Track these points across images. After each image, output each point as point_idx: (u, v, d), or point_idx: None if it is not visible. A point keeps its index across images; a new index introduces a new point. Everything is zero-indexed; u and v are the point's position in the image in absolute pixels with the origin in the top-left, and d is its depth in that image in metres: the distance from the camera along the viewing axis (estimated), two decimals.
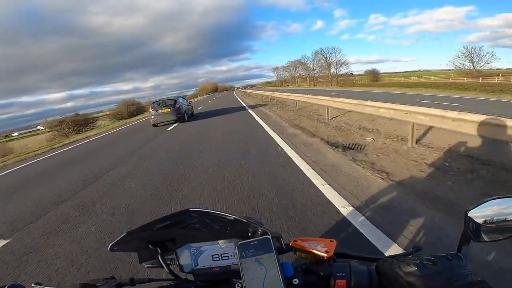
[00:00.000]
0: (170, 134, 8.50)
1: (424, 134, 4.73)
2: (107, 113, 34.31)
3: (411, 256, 0.46)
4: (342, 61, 69.97)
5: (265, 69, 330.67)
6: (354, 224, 1.98)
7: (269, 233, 0.48)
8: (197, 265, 0.57)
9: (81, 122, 30.65)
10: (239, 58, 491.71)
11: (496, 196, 0.43)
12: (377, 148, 4.27)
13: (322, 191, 2.63)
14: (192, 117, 13.42)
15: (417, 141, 4.24)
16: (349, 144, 4.59)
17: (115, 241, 0.53)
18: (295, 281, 0.47)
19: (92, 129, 24.92)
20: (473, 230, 0.43)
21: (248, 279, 0.44)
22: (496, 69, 43.79)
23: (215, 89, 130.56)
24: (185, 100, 13.47)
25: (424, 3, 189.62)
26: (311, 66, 77.46)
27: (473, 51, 43.95)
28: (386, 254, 1.56)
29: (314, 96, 9.59)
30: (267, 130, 6.53)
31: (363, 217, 2.07)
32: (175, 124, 10.77)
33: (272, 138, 5.61)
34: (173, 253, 0.58)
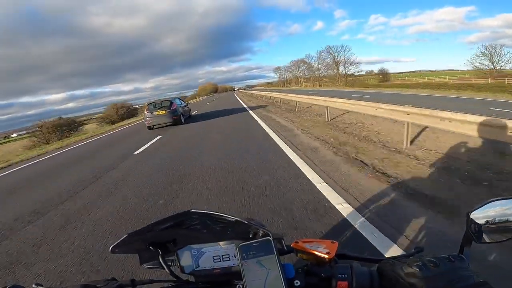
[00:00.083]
0: (148, 153, 6.37)
1: None
2: (98, 116, 31.48)
3: (412, 257, 0.46)
4: (351, 60, 66.23)
5: (265, 69, 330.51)
6: None
7: (270, 235, 0.48)
8: (198, 266, 0.58)
9: (65, 127, 27.77)
10: (239, 59, 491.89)
11: (498, 198, 0.44)
12: None
13: None
14: (190, 119, 12.93)
15: None
16: None
17: (116, 243, 0.53)
18: (297, 282, 0.47)
19: (77, 134, 22.32)
20: (475, 232, 0.44)
21: (249, 281, 0.44)
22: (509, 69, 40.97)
23: (215, 90, 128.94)
24: (182, 102, 13.03)
25: (424, 3, 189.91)
26: (316, 65, 74.26)
27: (493, 51, 41.09)
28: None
29: (337, 99, 7.13)
30: (306, 174, 3.36)
31: None
32: (156, 138, 8.28)
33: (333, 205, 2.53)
34: (174, 254, 0.59)
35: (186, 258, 0.58)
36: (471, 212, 0.44)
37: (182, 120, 11.50)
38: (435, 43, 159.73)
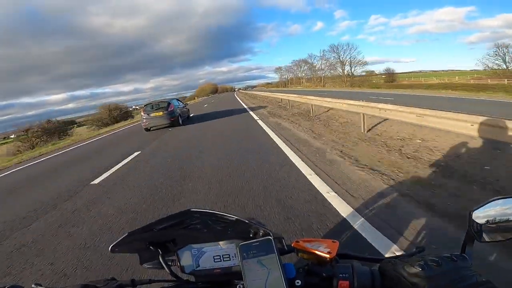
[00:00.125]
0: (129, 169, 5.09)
1: None
2: (92, 117, 29.51)
3: (414, 256, 0.46)
4: (357, 60, 62.83)
5: (265, 70, 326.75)
6: None
7: (271, 234, 0.48)
8: (198, 266, 0.58)
9: (53, 130, 25.93)
10: (239, 59, 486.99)
11: (501, 196, 0.44)
12: None
13: None
14: (188, 120, 12.51)
15: None
16: None
17: (116, 242, 0.53)
18: (298, 282, 0.47)
19: (66, 138, 20.47)
20: (477, 231, 0.44)
21: (250, 281, 0.45)
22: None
23: (215, 90, 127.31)
24: (180, 102, 12.66)
25: (424, 3, 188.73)
26: (319, 65, 71.88)
27: (505, 50, 39.37)
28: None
29: (377, 105, 5.34)
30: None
31: None
32: (133, 156, 6.34)
33: None
34: (174, 254, 0.59)
35: (186, 258, 0.58)
36: (473, 211, 0.44)
37: (180, 122, 11.11)
38: (435, 43, 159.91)
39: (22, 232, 2.92)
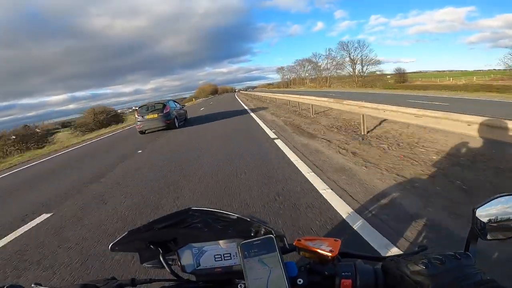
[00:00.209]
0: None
1: None
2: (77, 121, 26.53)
3: (417, 255, 0.45)
4: (370, 58, 58.28)
5: (265, 71, 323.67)
6: None
7: (272, 232, 0.48)
8: (199, 265, 0.57)
9: (30, 137, 22.98)
10: (239, 60, 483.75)
11: (504, 194, 0.43)
12: None
13: None
14: (185, 122, 12.09)
15: None
16: None
17: (116, 240, 0.53)
18: (300, 281, 0.46)
19: (44, 146, 17.98)
20: (481, 228, 0.43)
21: (251, 280, 0.44)
22: None
23: (215, 91, 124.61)
24: (177, 104, 12.18)
25: (424, 4, 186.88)
26: (325, 64, 68.84)
27: None
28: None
29: (442, 114, 3.60)
30: None
31: None
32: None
33: None
34: (175, 253, 0.59)
35: (187, 257, 0.58)
36: (477, 208, 0.44)
37: (177, 125, 10.60)
38: (435, 43, 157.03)
39: None
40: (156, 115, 10.02)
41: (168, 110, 10.23)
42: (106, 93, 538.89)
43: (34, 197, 4.50)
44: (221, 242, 0.56)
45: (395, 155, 3.90)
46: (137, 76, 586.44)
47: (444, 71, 73.66)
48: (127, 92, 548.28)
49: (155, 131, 10.17)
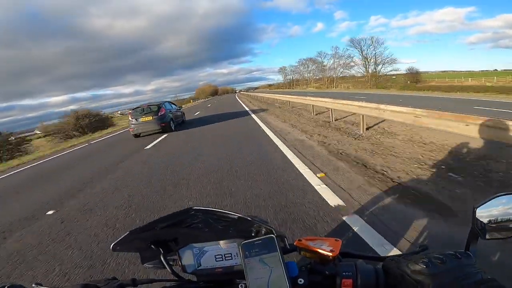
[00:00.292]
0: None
1: None
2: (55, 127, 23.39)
3: (418, 254, 0.45)
4: (384, 57, 52.48)
5: (266, 71, 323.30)
6: None
7: (273, 232, 0.48)
8: (200, 265, 0.57)
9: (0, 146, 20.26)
10: (240, 61, 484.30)
11: (505, 193, 0.43)
12: None
13: None
14: (183, 124, 11.55)
15: None
16: None
17: (117, 240, 0.53)
18: (300, 281, 0.46)
19: (19, 155, 15.90)
20: (481, 228, 0.43)
21: (252, 279, 0.44)
22: None
23: (215, 92, 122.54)
24: (173, 106, 11.47)
25: (424, 4, 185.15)
26: (331, 64, 65.21)
27: None
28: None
29: None
30: None
31: None
32: None
33: None
34: (176, 253, 0.58)
35: (187, 257, 0.58)
36: (477, 207, 0.44)
37: (173, 127, 10.04)
38: (435, 44, 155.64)
39: None
40: (150, 118, 9.52)
41: (163, 113, 9.71)
42: (107, 94, 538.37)
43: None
44: (221, 242, 0.56)
45: None
46: (138, 77, 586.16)
47: (447, 71, 72.15)
48: (127, 93, 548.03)
49: (150, 134, 9.70)
